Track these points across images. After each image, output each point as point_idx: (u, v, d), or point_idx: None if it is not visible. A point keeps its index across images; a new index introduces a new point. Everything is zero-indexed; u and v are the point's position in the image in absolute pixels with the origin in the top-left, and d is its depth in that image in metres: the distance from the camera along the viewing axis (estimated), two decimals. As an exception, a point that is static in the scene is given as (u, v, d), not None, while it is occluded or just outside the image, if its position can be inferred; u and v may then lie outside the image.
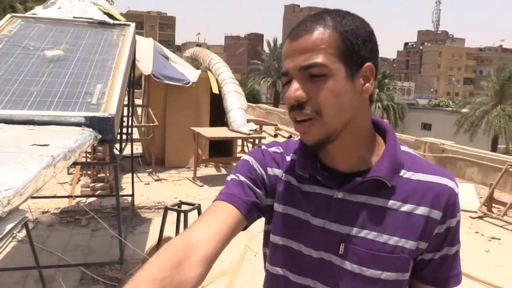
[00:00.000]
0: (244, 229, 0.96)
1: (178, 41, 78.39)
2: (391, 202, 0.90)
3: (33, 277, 3.66)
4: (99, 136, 2.90)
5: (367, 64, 0.87)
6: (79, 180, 6.67)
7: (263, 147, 1.04)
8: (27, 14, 4.45)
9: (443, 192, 0.90)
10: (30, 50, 3.75)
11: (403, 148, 0.96)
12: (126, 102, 4.60)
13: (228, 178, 1.01)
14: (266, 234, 1.03)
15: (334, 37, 0.84)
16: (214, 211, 0.92)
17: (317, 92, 0.84)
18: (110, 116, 2.92)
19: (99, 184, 6.21)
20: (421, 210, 0.89)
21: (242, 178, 0.98)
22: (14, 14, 4.26)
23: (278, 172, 1.00)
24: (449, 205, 0.90)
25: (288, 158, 1.00)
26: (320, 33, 0.84)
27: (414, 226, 0.88)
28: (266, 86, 46.38)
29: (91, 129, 2.87)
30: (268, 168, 1.00)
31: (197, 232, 0.85)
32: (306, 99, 0.84)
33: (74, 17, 4.38)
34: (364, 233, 0.89)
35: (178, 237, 0.86)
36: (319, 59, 0.82)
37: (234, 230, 0.90)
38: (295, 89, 0.85)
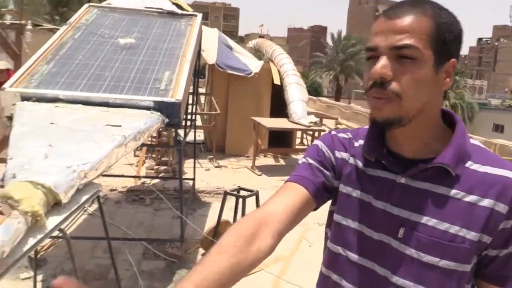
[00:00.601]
0: (315, 209, 1.04)
1: (241, 32, 79.25)
2: (454, 191, 0.90)
3: (101, 248, 3.95)
4: (166, 120, 3.08)
5: (453, 60, 0.89)
6: (144, 162, 7.03)
7: (333, 132, 1.11)
8: (102, 4, 4.74)
9: (510, 186, 0.87)
10: (105, 38, 4.01)
11: (473, 141, 0.96)
12: (191, 91, 4.80)
13: (299, 161, 1.09)
14: (330, 214, 1.09)
15: (431, 25, 0.86)
16: (285, 191, 1.01)
17: (403, 73, 0.85)
18: (177, 101, 3.08)
19: (163, 167, 6.52)
20: (486, 202, 0.88)
21: (311, 161, 1.06)
22: (91, 4, 4.56)
23: (345, 155, 1.05)
24: None
25: (357, 144, 1.05)
26: (419, 18, 0.86)
27: (477, 217, 0.88)
28: (328, 79, 45.78)
29: (159, 113, 3.05)
30: (336, 152, 1.06)
31: (270, 208, 0.95)
32: (390, 78, 0.86)
33: (145, 7, 4.61)
34: (424, 219, 0.91)
35: (254, 211, 0.96)
36: (414, 42, 0.84)
37: (303, 209, 0.99)
38: (383, 66, 0.86)
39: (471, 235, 0.88)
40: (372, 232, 0.97)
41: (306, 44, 78.31)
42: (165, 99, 3.10)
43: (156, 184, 6.20)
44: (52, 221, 2.05)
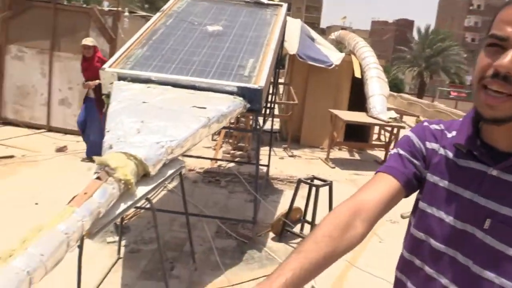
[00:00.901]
0: (406, 196, 1.08)
1: (323, 24, 78.04)
2: None
3: (178, 222, 4.21)
4: (248, 106, 3.20)
5: None
6: (221, 146, 7.29)
7: (425, 123, 1.13)
8: (194, -7, 4.96)
9: None
10: (194, 25, 4.22)
11: None
12: (271, 80, 4.90)
13: (391, 152, 1.13)
14: (416, 202, 1.11)
15: None
16: (376, 181, 1.06)
17: None
18: (259, 87, 3.19)
19: (239, 152, 6.73)
20: None
21: (402, 152, 1.09)
22: (184, -8, 4.79)
23: (435, 146, 1.07)
24: None
25: (449, 135, 1.06)
26: None
27: None
28: (411, 75, 43.86)
29: (241, 98, 3.18)
30: (427, 142, 1.08)
31: (363, 197, 1.01)
32: None
33: (233, -3, 4.77)
34: None
35: (347, 200, 1.02)
36: None
37: (393, 198, 1.03)
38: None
39: None
40: (456, 221, 0.98)
41: (390, 38, 75.39)
42: (248, 85, 3.22)
43: (231, 167, 6.42)
44: (140, 190, 2.25)
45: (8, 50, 7.56)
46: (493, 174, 0.93)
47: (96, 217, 1.87)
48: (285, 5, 4.65)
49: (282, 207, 4.86)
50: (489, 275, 0.92)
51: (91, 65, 5.75)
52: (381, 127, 9.13)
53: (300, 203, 4.37)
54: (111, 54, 7.01)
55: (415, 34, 42.69)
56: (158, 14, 4.19)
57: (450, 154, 1.03)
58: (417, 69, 39.29)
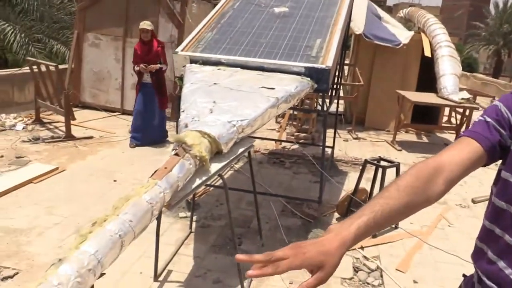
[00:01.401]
0: (485, 165, 1.10)
1: (390, 1, 74.93)
2: None
3: (245, 200, 4.35)
4: (315, 86, 3.23)
5: None
6: (285, 128, 7.35)
7: None
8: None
9: None
10: (261, 7, 4.27)
11: None
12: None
13: (476, 119, 1.14)
14: (499, 172, 1.12)
15: None
16: (459, 144, 1.09)
17: None
18: (326, 68, 3.21)
19: (303, 134, 6.76)
20: None
21: (488, 119, 1.10)
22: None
23: None
24: None
25: None
26: None
27: None
28: (486, 54, 41.15)
29: (309, 79, 3.22)
30: None
31: (445, 158, 1.06)
32: None
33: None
34: None
35: (429, 159, 1.07)
36: None
37: (474, 163, 1.06)
38: None
39: None
40: None
41: (463, 14, 70.88)
42: (316, 65, 3.24)
43: (295, 149, 6.48)
44: (214, 167, 2.39)
45: (86, 38, 8.06)
46: None
47: (175, 189, 2.02)
48: (352, -16, 4.57)
49: (347, 188, 4.86)
50: None
51: (151, 49, 5.81)
52: (452, 108, 8.73)
53: (365, 185, 4.35)
54: (180, 38, 7.27)
55: (491, 9, 39.81)
56: (226, -3, 4.29)
57: None
58: (494, 47, 36.70)
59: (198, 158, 2.24)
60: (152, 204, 1.79)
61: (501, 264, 1.05)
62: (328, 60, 3.33)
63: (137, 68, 5.86)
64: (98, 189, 4.47)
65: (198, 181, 2.27)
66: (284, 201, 4.34)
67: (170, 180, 1.98)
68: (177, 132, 2.69)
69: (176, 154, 2.17)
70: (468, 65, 34.23)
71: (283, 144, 6.59)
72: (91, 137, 6.32)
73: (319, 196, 3.70)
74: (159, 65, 5.85)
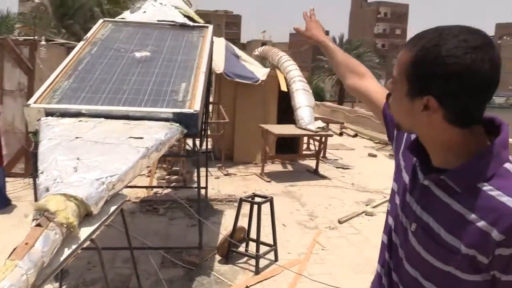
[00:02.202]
0: (376, 111, 1.46)
1: (244, 39, 79.49)
2: (459, 206, 0.96)
3: (120, 257, 4.03)
4: (185, 131, 3.17)
5: (429, 97, 0.93)
6: (155, 172, 7.12)
7: None
8: (116, 19, 4.86)
9: (508, 216, 0.89)
10: (121, 52, 4.12)
11: (509, 165, 0.96)
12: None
13: None
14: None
15: (409, 60, 0.97)
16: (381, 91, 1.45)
17: (392, 94, 1.07)
18: (195, 112, 3.18)
19: (174, 177, 6.61)
20: (481, 224, 0.92)
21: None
22: (106, 19, 4.68)
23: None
24: None
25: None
26: (405, 53, 0.99)
27: (470, 235, 0.93)
28: (330, 84, 45.83)
29: (178, 124, 3.15)
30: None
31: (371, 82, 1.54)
32: (389, 93, 1.09)
33: (158, 20, 4.72)
34: (431, 221, 1.01)
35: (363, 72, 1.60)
36: (395, 72, 1.03)
37: (374, 103, 1.46)
38: (389, 83, 1.08)
39: (463, 248, 0.94)
40: (403, 217, 1.11)
41: (308, 49, 78.37)
42: (184, 110, 3.19)
43: (168, 194, 6.28)
44: (84, 232, 2.15)
45: None
46: (425, 184, 1.04)
47: (40, 267, 1.75)
48: (211, 26, 4.69)
49: (224, 228, 4.84)
50: (415, 273, 1.06)
51: None
52: (310, 137, 9.44)
53: (241, 221, 4.39)
54: (30, 85, 6.63)
55: (331, 44, 44.67)
56: (81, 42, 4.04)
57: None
58: (336, 77, 41.12)
59: (64, 225, 1.99)
60: (13, 292, 1.52)
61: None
62: (195, 104, 3.31)
63: None
64: None
65: (67, 252, 2.01)
66: (163, 252, 4.13)
67: (33, 258, 1.71)
68: (36, 199, 2.38)
69: (38, 225, 1.89)
70: (317, 94, 37.73)
71: (155, 189, 6.35)
72: None
73: (199, 241, 3.60)
74: None
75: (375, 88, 1.49)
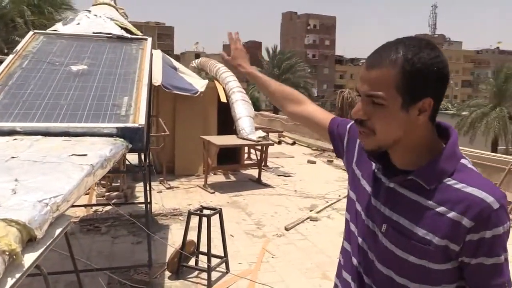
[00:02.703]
0: (323, 134, 1.48)
1: (177, 50, 78.76)
2: (428, 201, 1.05)
3: (63, 282, 3.80)
4: (130, 146, 3.07)
5: (426, 99, 1.01)
6: (94, 189, 6.81)
7: None
8: (48, 31, 4.62)
9: (476, 204, 0.99)
10: (56, 66, 3.92)
11: (464, 160, 1.08)
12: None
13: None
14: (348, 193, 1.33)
15: (398, 76, 0.99)
16: (324, 113, 1.52)
17: (374, 115, 1.04)
18: (140, 126, 3.09)
19: (115, 193, 6.37)
20: (452, 215, 1.01)
21: (341, 121, 1.42)
22: (36, 31, 4.43)
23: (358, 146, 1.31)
24: (482, 217, 0.99)
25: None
26: (387, 70, 1.00)
27: (442, 226, 1.02)
28: (266, 93, 46.50)
29: (122, 139, 3.04)
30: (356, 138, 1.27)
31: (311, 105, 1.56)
32: (365, 118, 1.05)
33: (93, 33, 4.55)
34: (401, 220, 1.08)
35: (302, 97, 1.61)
36: (381, 92, 1.01)
37: (315, 121, 1.49)
38: (357, 109, 1.06)
39: (436, 240, 1.02)
40: (369, 221, 1.16)
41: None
42: (128, 125, 3.09)
43: (109, 211, 6.04)
44: (28, 258, 2.00)
45: None
46: (391, 186, 1.11)
47: (-18, 303, 1.61)
48: (149, 39, 4.59)
49: (172, 242, 4.73)
50: (388, 271, 1.11)
51: None
52: (251, 146, 9.51)
53: (190, 234, 4.31)
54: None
55: (264, 54, 45.61)
56: (11, 56, 3.80)
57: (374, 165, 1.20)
58: (271, 87, 41.78)
59: (6, 253, 1.84)
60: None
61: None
62: (140, 118, 3.22)
63: None
64: None
65: (10, 282, 1.84)
66: (109, 272, 3.95)
67: (-27, 293, 1.57)
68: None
69: (-23, 255, 1.74)
70: (253, 104, 38.06)
71: (95, 208, 6.07)
72: None
73: (149, 258, 3.48)
74: None
75: (317, 111, 1.51)
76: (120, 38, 4.51)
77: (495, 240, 1.00)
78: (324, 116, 1.46)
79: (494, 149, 23.09)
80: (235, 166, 9.05)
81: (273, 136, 14.00)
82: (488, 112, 25.36)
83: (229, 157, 8.99)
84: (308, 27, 74.63)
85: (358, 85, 1.06)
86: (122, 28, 4.76)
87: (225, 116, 8.87)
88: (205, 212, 4.10)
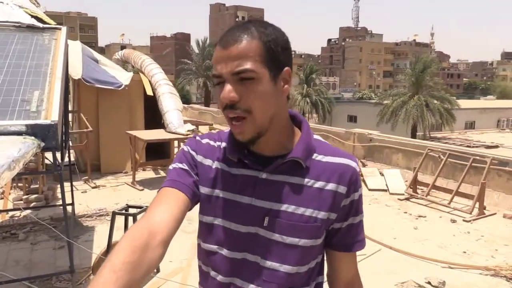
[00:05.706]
0: (191, 209, 1.09)
1: (102, 42, 75.48)
2: (306, 180, 1.06)
3: (-27, 298, 3.47)
4: (42, 144, 2.82)
5: (286, 68, 1.03)
6: (10, 193, 6.30)
7: (198, 138, 1.19)
8: None
9: (346, 171, 1.08)
10: (-47, 58, 3.53)
11: (315, 136, 1.15)
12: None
13: (170, 167, 1.14)
14: (201, 218, 1.15)
15: (259, 46, 0.98)
16: (165, 198, 1.04)
17: (247, 93, 0.97)
18: (53, 123, 2.84)
19: (34, 196, 5.93)
20: (330, 186, 1.06)
21: (181, 165, 1.12)
22: None
23: (209, 161, 1.13)
24: (352, 181, 1.08)
25: (220, 147, 1.14)
26: (248, 42, 0.97)
27: (325, 200, 1.06)
28: (196, 86, 46.08)
29: (33, 137, 2.78)
30: (200, 156, 1.14)
31: (156, 218, 0.97)
32: (238, 99, 0.97)
33: (-1, 22, 4.15)
34: (284, 207, 1.05)
35: (141, 221, 0.97)
36: (249, 65, 0.96)
37: (184, 212, 1.04)
38: (229, 91, 0.97)
39: (322, 214, 1.05)
40: (240, 226, 1.07)
41: (171, 52, 77.67)
42: (39, 122, 2.84)
43: (27, 215, 5.61)
44: None
45: None
46: (263, 177, 1.07)
47: None
48: (64, 28, 4.26)
49: (98, 245, 4.49)
50: (275, 265, 1.06)
51: None
52: (180, 140, 9.31)
53: (117, 235, 4.10)
54: None
55: (194, 47, 44.99)
56: None
57: (224, 166, 1.11)
58: (202, 79, 41.46)
59: None
60: None
61: None
62: (52, 114, 2.96)
63: None
64: None
65: None
66: (28, 283, 3.65)
67: None
68: None
69: None
70: (183, 97, 37.51)
71: (11, 213, 5.61)
72: None
73: (70, 264, 3.25)
74: None
75: (166, 209, 1.02)
76: (30, 27, 4.15)
77: (359, 199, 1.11)
78: (176, 200, 1.05)
79: (413, 135, 24.57)
80: (164, 161, 8.80)
81: (203, 129, 13.83)
82: (407, 100, 26.90)
83: (158, 152, 8.74)
84: (237, 19, 74.73)
85: (217, 68, 0.99)
86: (32, 16, 4.39)
87: (153, 110, 8.59)
88: (131, 211, 3.91)
